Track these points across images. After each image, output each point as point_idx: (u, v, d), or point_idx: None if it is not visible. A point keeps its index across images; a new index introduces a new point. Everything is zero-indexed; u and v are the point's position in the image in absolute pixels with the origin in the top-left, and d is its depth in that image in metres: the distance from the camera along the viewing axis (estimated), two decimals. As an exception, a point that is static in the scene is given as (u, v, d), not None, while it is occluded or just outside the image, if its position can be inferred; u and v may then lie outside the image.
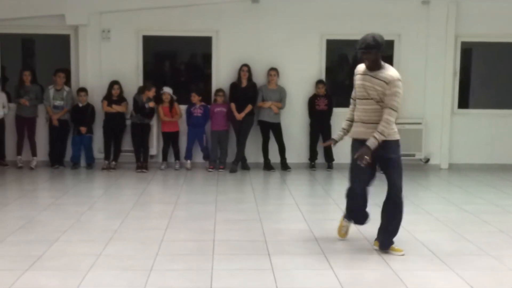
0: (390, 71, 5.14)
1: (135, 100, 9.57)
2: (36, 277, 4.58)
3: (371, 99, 5.17)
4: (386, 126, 5.06)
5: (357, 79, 5.31)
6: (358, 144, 5.24)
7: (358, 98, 5.30)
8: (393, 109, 5.06)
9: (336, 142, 5.57)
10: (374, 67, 5.17)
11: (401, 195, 5.27)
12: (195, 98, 9.74)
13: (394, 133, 5.22)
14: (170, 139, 9.81)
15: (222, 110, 9.74)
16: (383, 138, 5.07)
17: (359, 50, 5.14)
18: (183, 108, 9.84)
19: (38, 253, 5.10)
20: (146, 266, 4.81)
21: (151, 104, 9.53)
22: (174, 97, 9.71)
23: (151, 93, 9.50)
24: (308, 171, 9.74)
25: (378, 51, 5.11)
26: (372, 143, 5.05)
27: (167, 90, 9.67)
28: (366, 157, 5.05)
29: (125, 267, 4.83)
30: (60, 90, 9.65)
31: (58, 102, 9.64)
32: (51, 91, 9.65)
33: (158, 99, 9.67)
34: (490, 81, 10.65)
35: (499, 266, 4.97)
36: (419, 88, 10.15)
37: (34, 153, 9.70)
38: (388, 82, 5.06)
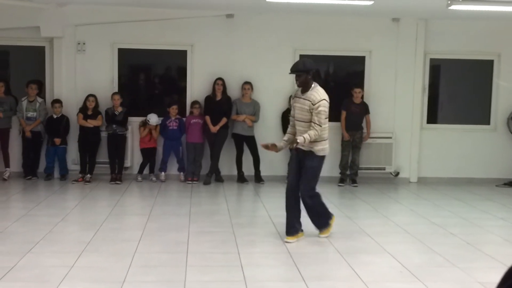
0: (316, 92, 5.95)
1: (106, 112, 9.63)
2: (8, 288, 4.57)
3: (304, 122, 5.97)
4: (315, 135, 5.84)
5: (294, 102, 6.17)
6: (295, 153, 6.17)
7: (295, 119, 6.12)
8: (318, 124, 5.86)
9: (277, 148, 6.24)
10: (304, 89, 6.02)
11: (308, 196, 6.10)
12: (175, 110, 9.81)
13: (321, 150, 6.03)
14: (148, 153, 9.85)
15: (198, 122, 9.81)
16: (305, 142, 5.84)
17: (290, 73, 6.09)
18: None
19: (10, 264, 5.09)
20: (119, 278, 4.83)
21: (118, 109, 9.55)
22: (158, 123, 9.75)
23: (117, 100, 9.53)
24: (281, 184, 9.81)
25: (307, 75, 5.96)
26: (301, 140, 5.84)
27: (152, 120, 9.70)
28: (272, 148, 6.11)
29: (98, 279, 4.85)
30: (32, 102, 9.62)
31: (30, 114, 9.61)
32: (24, 102, 9.62)
33: (140, 112, 9.75)
34: (458, 97, 10.89)
35: (467, 278, 5.09)
36: (389, 103, 10.37)
37: (7, 164, 9.63)
38: (314, 103, 5.88)
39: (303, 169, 6.08)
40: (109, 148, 9.65)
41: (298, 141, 5.88)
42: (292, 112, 6.26)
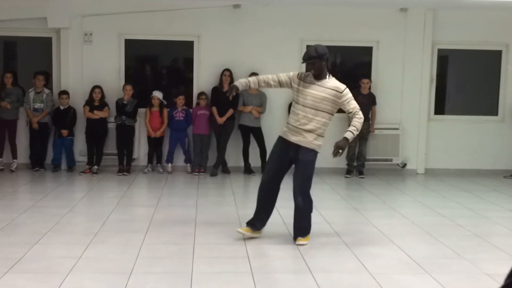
0: (337, 81, 5.65)
1: (117, 103, 9.64)
2: (15, 279, 4.59)
3: (318, 110, 5.56)
4: (360, 122, 5.56)
5: (302, 86, 5.65)
6: (283, 143, 5.70)
7: (304, 106, 5.61)
8: (358, 109, 5.58)
9: (238, 89, 5.84)
10: (320, 76, 5.60)
11: (302, 198, 5.67)
12: (182, 101, 9.80)
13: (320, 146, 5.69)
14: (155, 143, 9.86)
15: (205, 113, 9.81)
16: (357, 133, 5.57)
17: (303, 62, 5.63)
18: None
19: (18, 256, 5.10)
20: (126, 269, 4.84)
21: (126, 98, 9.56)
22: (164, 102, 9.77)
23: (128, 90, 9.55)
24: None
25: (321, 61, 5.56)
26: (350, 136, 5.53)
27: (157, 94, 9.71)
28: (340, 151, 5.55)
29: (105, 270, 4.87)
30: (39, 93, 9.63)
31: (38, 105, 9.63)
32: (31, 93, 9.64)
33: (147, 103, 9.75)
34: (466, 88, 10.85)
35: (474, 270, 5.08)
36: (397, 94, 10.33)
37: (14, 156, 9.67)
38: (341, 91, 5.56)
39: (297, 164, 5.67)
40: (118, 139, 9.67)
41: (347, 137, 5.50)
42: (297, 97, 5.67)
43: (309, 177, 5.72)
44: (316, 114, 5.58)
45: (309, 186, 5.75)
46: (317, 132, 5.61)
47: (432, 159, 10.51)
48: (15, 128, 9.73)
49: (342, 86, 5.61)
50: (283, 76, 5.80)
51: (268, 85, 5.86)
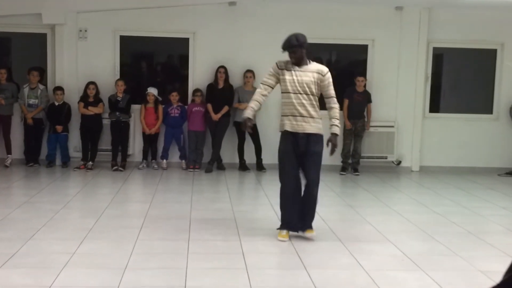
0: (319, 64, 5.77)
1: (109, 99, 9.62)
2: (9, 275, 4.57)
3: (309, 94, 5.64)
4: (338, 111, 5.75)
5: (287, 74, 5.68)
6: (291, 137, 5.65)
7: (295, 92, 5.65)
8: (334, 96, 5.75)
9: (251, 120, 5.83)
10: (301, 63, 5.68)
11: (317, 188, 5.75)
12: (175, 97, 9.79)
13: (320, 128, 5.72)
14: (150, 139, 9.85)
15: (200, 110, 9.80)
16: (340, 124, 5.85)
17: (285, 51, 5.67)
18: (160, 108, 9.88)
19: (12, 251, 5.09)
20: (121, 264, 4.83)
21: (119, 94, 9.55)
22: (159, 98, 9.76)
23: (120, 86, 9.53)
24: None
25: (302, 49, 5.61)
26: (338, 131, 5.75)
27: (152, 90, 9.70)
28: (336, 148, 5.74)
29: (100, 265, 4.86)
30: (34, 89, 9.61)
31: (32, 101, 9.61)
32: (26, 89, 9.61)
33: (142, 99, 9.74)
34: (460, 86, 10.88)
35: (468, 267, 5.09)
36: (392, 92, 10.35)
37: (9, 151, 9.65)
38: (324, 74, 5.67)
39: (309, 155, 5.64)
40: (113, 135, 9.65)
41: (336, 132, 5.68)
42: (286, 86, 5.67)
43: (319, 167, 5.80)
44: (308, 98, 5.64)
45: (319, 176, 5.82)
46: (315, 115, 5.66)
47: (427, 156, 10.53)
48: (10, 123, 9.71)
49: (324, 69, 5.72)
50: (269, 78, 5.83)
51: (266, 96, 5.90)
